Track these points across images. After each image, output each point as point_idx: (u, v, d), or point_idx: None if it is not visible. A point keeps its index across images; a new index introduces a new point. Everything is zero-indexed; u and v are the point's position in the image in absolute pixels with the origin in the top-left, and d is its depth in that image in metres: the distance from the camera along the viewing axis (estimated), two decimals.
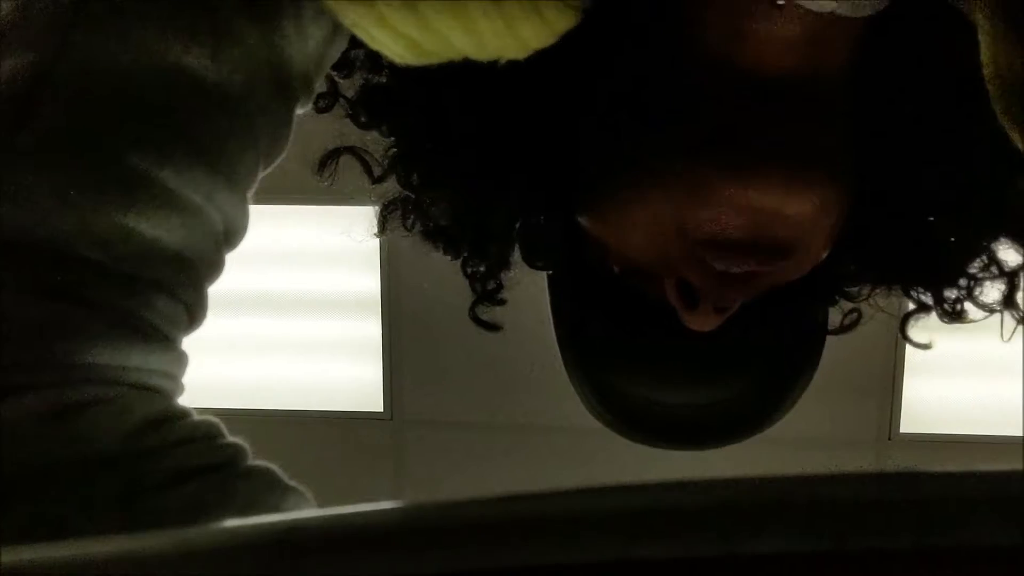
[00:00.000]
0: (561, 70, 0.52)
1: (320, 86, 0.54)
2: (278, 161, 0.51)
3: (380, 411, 2.28)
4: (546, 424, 2.13)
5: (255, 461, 0.47)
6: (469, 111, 0.56)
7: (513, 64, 0.45)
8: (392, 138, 0.60)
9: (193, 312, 0.47)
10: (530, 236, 0.64)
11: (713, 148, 0.51)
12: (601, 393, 0.65)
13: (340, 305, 2.24)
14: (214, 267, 0.48)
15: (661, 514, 0.18)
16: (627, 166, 0.54)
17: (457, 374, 2.22)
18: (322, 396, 2.29)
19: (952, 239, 0.59)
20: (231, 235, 0.49)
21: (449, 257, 0.64)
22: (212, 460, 0.44)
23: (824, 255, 0.56)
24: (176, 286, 0.45)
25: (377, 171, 0.62)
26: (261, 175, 0.50)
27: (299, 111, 0.51)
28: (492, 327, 0.67)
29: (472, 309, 0.66)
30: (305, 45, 0.48)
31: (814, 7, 0.47)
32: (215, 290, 0.49)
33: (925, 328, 0.64)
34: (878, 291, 0.64)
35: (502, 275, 0.65)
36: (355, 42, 0.50)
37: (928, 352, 0.67)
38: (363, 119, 0.59)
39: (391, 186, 0.62)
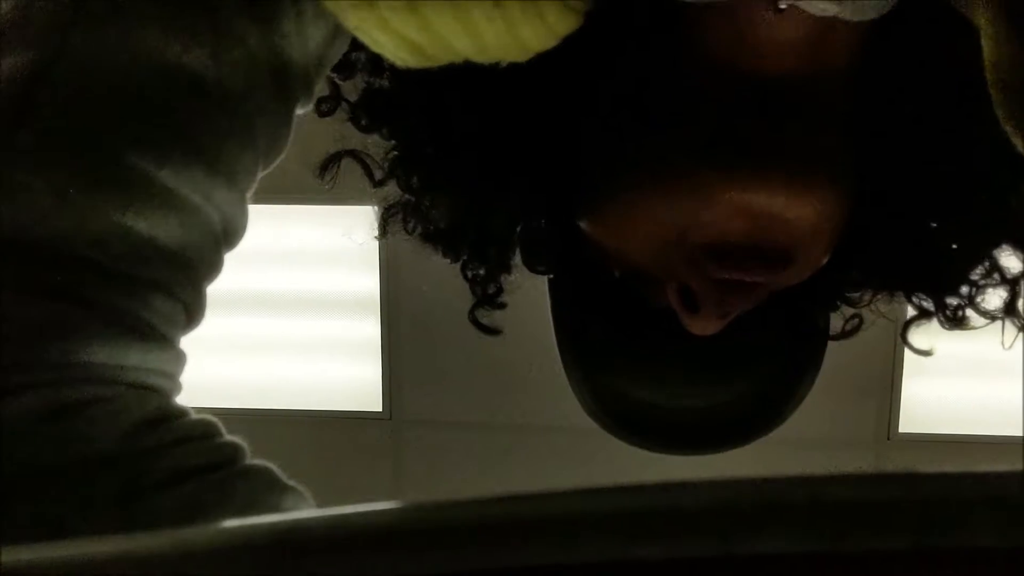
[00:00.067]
0: (562, 73, 0.52)
1: (321, 89, 0.54)
2: (277, 162, 0.51)
3: (379, 411, 2.28)
4: (545, 424, 2.13)
5: (253, 460, 0.47)
6: (470, 114, 0.55)
7: (514, 67, 0.45)
8: (393, 141, 0.60)
9: (191, 312, 0.47)
10: (531, 240, 0.64)
11: (714, 151, 0.51)
12: (602, 398, 0.65)
13: (339, 305, 2.24)
14: (213, 267, 0.48)
15: (660, 514, 0.18)
16: (628, 169, 0.53)
17: (456, 374, 2.22)
18: (321, 396, 2.29)
19: (954, 245, 0.59)
20: (230, 235, 0.49)
21: (449, 260, 0.64)
22: (210, 459, 0.44)
23: (824, 261, 0.56)
24: (174, 285, 0.45)
25: (378, 174, 0.61)
26: (260, 175, 0.50)
27: (299, 112, 0.51)
28: (492, 331, 0.66)
29: (472, 312, 0.66)
30: (305, 46, 0.48)
31: (816, 11, 0.47)
32: (214, 289, 0.49)
33: (925, 330, 0.63)
34: (880, 297, 0.64)
35: (502, 278, 0.65)
36: (356, 44, 0.50)
37: None
38: (364, 122, 0.59)
39: (391, 188, 0.62)
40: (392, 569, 0.18)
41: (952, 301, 0.60)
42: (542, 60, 0.45)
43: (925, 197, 0.57)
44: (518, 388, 2.15)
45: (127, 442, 0.42)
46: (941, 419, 2.16)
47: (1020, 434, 2.02)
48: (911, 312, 0.63)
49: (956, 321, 0.61)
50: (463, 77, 0.47)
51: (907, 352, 0.64)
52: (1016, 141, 0.39)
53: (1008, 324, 0.60)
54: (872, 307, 0.65)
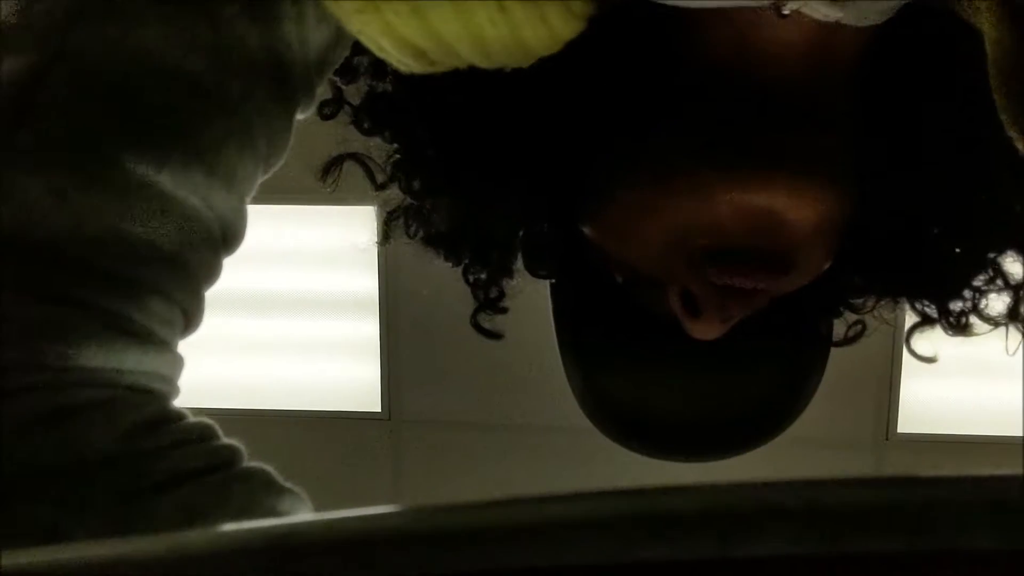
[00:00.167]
0: (566, 78, 0.51)
1: (324, 92, 0.54)
2: (278, 166, 0.51)
3: (378, 411, 2.28)
4: (545, 424, 2.13)
5: (251, 463, 0.46)
6: (473, 119, 0.55)
7: (517, 72, 0.45)
8: (395, 144, 0.60)
9: (189, 315, 0.47)
10: (532, 244, 0.63)
11: (716, 153, 0.50)
12: (603, 402, 0.65)
13: (338, 305, 2.24)
14: (211, 271, 0.48)
15: (659, 517, 0.18)
16: (630, 171, 0.53)
17: (455, 374, 2.22)
18: (320, 396, 2.29)
19: (957, 250, 0.58)
20: (229, 239, 0.49)
21: (451, 264, 0.64)
22: (208, 462, 0.44)
23: (825, 267, 0.56)
24: (172, 289, 0.45)
25: (380, 178, 0.61)
26: (261, 180, 0.50)
27: (300, 116, 0.51)
28: (493, 335, 0.66)
29: (474, 317, 0.66)
30: (307, 48, 0.48)
31: (819, 16, 0.47)
32: (213, 289, 0.49)
33: (926, 331, 0.63)
34: (883, 303, 0.64)
35: (504, 283, 0.65)
36: (359, 48, 0.50)
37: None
38: (367, 125, 0.59)
39: (392, 191, 0.62)
40: (389, 573, 0.18)
41: (955, 307, 0.60)
42: (545, 65, 0.45)
43: (928, 202, 0.56)
44: (517, 388, 2.15)
45: (125, 445, 0.42)
46: (940, 419, 2.16)
47: (1020, 435, 2.02)
48: (913, 316, 0.62)
49: (960, 327, 0.60)
50: (466, 82, 0.47)
51: (906, 352, 0.64)
52: (1020, 145, 0.39)
53: (1012, 330, 0.59)
54: (875, 314, 0.65)
